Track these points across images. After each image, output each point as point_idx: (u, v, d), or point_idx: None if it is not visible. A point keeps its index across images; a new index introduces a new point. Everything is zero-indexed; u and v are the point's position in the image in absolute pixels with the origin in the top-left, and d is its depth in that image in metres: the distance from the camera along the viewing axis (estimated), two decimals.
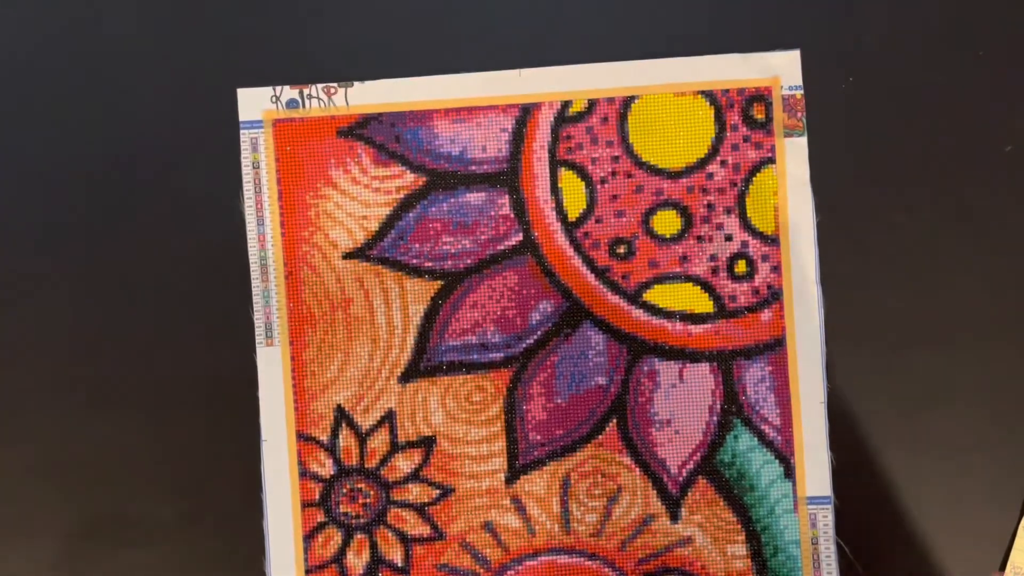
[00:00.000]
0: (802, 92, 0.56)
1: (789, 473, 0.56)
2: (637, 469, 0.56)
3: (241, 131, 0.57)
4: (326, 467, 0.56)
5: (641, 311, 0.56)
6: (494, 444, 0.56)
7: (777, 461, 0.56)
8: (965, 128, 0.56)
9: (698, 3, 0.57)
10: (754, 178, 0.56)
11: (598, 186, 0.56)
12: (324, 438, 0.56)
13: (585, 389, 0.56)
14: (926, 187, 0.56)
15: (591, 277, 0.56)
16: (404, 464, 0.56)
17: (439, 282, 0.56)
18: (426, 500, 0.56)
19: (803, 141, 0.56)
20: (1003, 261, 0.56)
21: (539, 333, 0.56)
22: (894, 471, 0.56)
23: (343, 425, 0.56)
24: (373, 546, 0.56)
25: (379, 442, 0.56)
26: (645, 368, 0.56)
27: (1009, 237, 0.56)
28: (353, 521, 0.56)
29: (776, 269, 0.56)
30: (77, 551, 0.57)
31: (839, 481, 0.56)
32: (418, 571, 0.56)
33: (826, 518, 0.56)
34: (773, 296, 0.56)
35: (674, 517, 0.56)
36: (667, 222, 0.56)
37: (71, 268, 0.57)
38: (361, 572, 0.56)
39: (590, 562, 0.56)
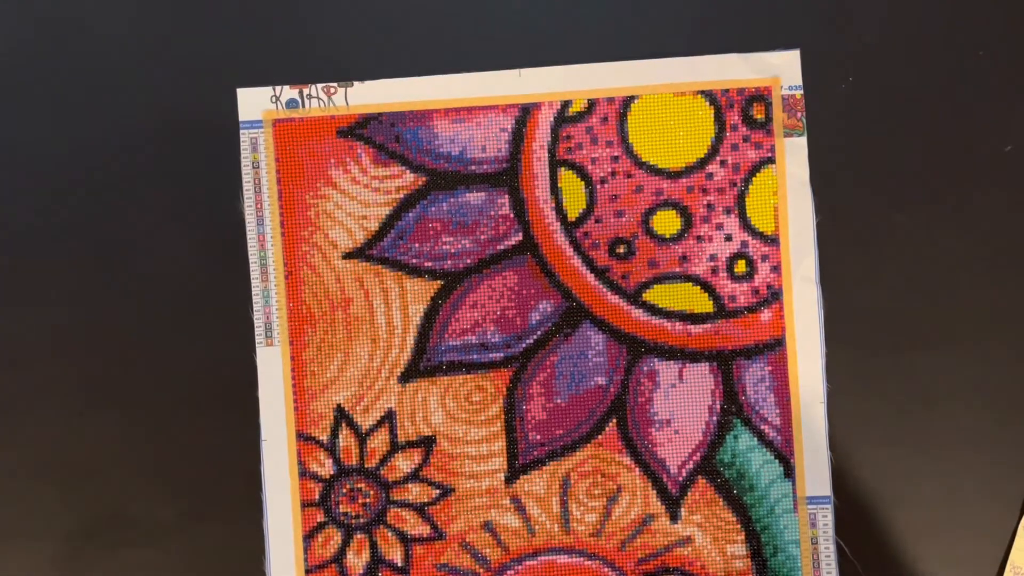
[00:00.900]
0: (802, 92, 0.56)
1: (789, 473, 0.56)
2: (637, 469, 0.56)
3: (241, 131, 0.57)
4: (326, 467, 0.56)
5: (641, 311, 0.56)
6: (494, 444, 0.56)
7: (777, 461, 0.56)
8: (965, 128, 0.56)
9: (698, 3, 0.57)
10: (754, 178, 0.56)
11: (598, 186, 0.56)
12: (324, 438, 0.56)
13: (585, 389, 0.56)
14: (926, 187, 0.56)
15: (591, 277, 0.56)
16: (404, 464, 0.56)
17: (439, 282, 0.56)
18: (426, 500, 0.56)
19: (803, 141, 0.56)
20: (1003, 261, 0.56)
21: (539, 333, 0.56)
22: (894, 471, 0.56)
23: (343, 425, 0.56)
24: (373, 546, 0.56)
25: (379, 442, 0.56)
26: (645, 368, 0.56)
27: (1009, 237, 0.56)
28: (353, 521, 0.56)
29: (776, 269, 0.56)
30: (77, 551, 0.57)
31: (839, 481, 0.56)
32: (418, 571, 0.56)
33: (826, 518, 0.56)
34: (773, 296, 0.56)
35: (674, 517, 0.56)
36: (667, 222, 0.56)
37: (71, 268, 0.57)
38: (361, 572, 0.56)
39: (590, 562, 0.56)
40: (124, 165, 0.57)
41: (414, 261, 0.57)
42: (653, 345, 0.56)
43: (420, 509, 0.56)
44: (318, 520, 0.56)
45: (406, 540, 0.56)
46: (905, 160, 0.56)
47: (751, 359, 0.56)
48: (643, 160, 0.56)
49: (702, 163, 0.56)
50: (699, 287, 0.56)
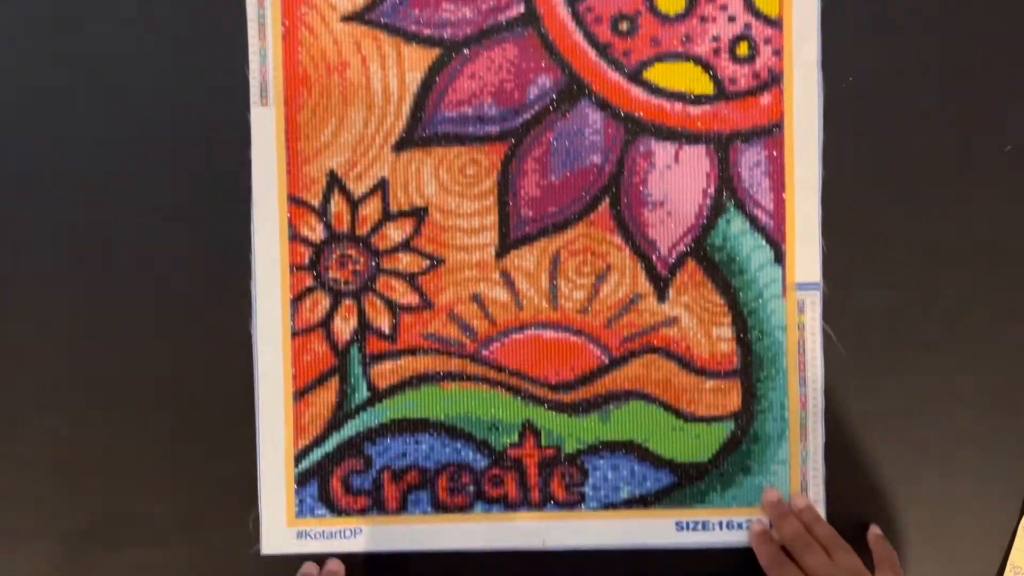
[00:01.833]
0: None
1: (779, 258, 0.56)
2: (627, 249, 0.56)
3: None
4: (316, 232, 0.56)
5: (640, 90, 0.56)
6: (486, 218, 0.56)
7: (768, 246, 0.56)
8: (965, 128, 0.55)
9: None
10: None
11: None
12: (316, 203, 0.56)
13: (579, 167, 0.56)
14: (926, 187, 0.56)
15: (592, 53, 0.56)
16: (395, 233, 0.56)
17: (437, 50, 0.56)
18: (416, 270, 0.56)
19: None
20: (1003, 261, 0.56)
21: (536, 108, 0.56)
22: (893, 471, 0.56)
23: (335, 191, 0.56)
24: (361, 312, 0.56)
25: (371, 210, 0.56)
26: (641, 148, 0.56)
27: (1009, 237, 0.56)
28: (342, 287, 0.56)
29: (778, 53, 0.56)
30: (77, 551, 0.57)
31: (836, 461, 0.56)
32: (405, 339, 0.56)
33: (814, 304, 0.56)
34: (773, 80, 0.56)
35: (661, 297, 0.56)
36: (671, 0, 0.56)
37: (71, 267, 0.56)
38: (347, 337, 0.56)
39: (575, 338, 0.56)
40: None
41: (413, 28, 0.56)
42: (651, 125, 0.56)
43: (410, 278, 0.56)
44: (307, 284, 0.56)
45: (394, 308, 0.56)
46: (905, 160, 0.56)
47: (748, 143, 0.56)
48: None
49: None
50: (700, 68, 0.56)
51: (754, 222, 0.56)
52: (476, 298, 0.56)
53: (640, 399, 0.56)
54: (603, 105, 0.56)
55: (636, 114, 0.56)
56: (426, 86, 0.56)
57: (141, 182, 0.56)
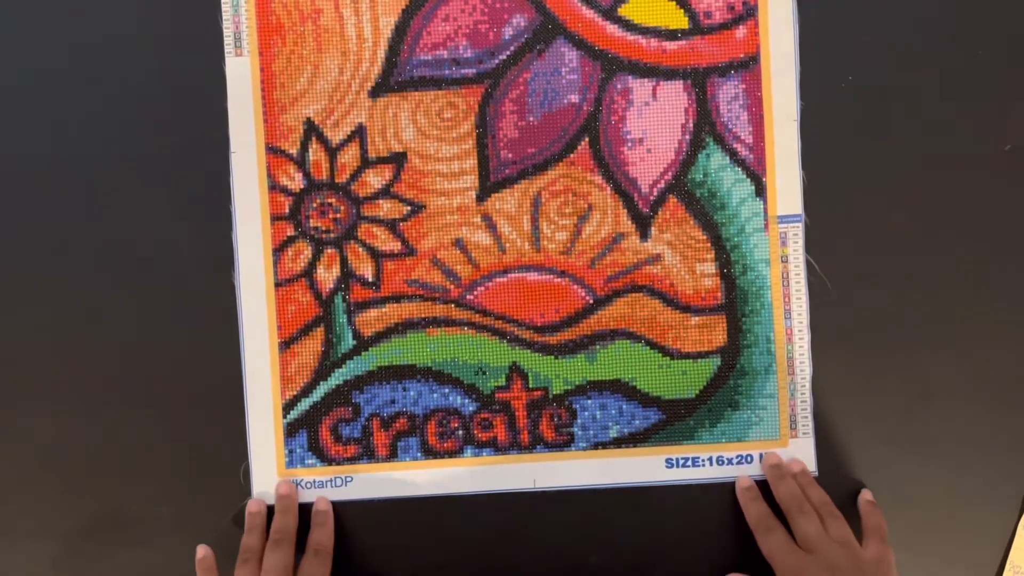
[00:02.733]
0: None
1: (760, 191, 0.56)
2: (608, 188, 0.56)
3: None
4: (295, 180, 0.56)
5: (616, 27, 0.56)
6: (465, 161, 0.56)
7: (748, 180, 0.56)
8: (965, 128, 0.55)
9: None
10: None
11: None
12: (294, 151, 0.56)
13: (558, 107, 0.56)
14: (926, 187, 0.55)
15: None
16: (374, 180, 0.56)
17: None
18: (397, 216, 0.56)
19: None
20: (1003, 261, 0.55)
21: (512, 48, 0.56)
22: (892, 471, 0.56)
23: (312, 139, 0.56)
24: (343, 261, 0.56)
25: (349, 157, 0.56)
26: (619, 86, 0.56)
27: (1009, 237, 0.55)
28: (323, 235, 0.56)
29: None
30: (77, 551, 0.57)
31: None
32: (388, 286, 0.56)
33: (796, 236, 0.56)
34: (748, 12, 0.55)
35: (644, 235, 0.56)
36: None
37: (70, 267, 0.56)
38: (331, 286, 0.56)
39: (559, 279, 0.56)
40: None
41: None
42: (627, 62, 0.56)
43: (391, 225, 0.56)
44: (288, 234, 0.56)
45: (377, 255, 0.56)
46: (905, 160, 0.55)
47: (725, 77, 0.56)
48: None
49: None
50: (675, 2, 0.55)
51: (734, 156, 0.56)
52: (459, 243, 0.56)
53: (626, 338, 0.56)
54: (579, 43, 0.56)
55: (612, 51, 0.56)
56: (400, 30, 0.56)
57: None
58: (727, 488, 0.56)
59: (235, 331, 0.56)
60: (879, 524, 0.53)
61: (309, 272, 0.56)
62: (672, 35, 0.56)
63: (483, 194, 0.56)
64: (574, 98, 0.56)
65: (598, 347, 0.56)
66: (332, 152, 0.56)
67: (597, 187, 0.56)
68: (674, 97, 0.56)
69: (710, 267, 0.56)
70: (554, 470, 0.56)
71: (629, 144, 0.56)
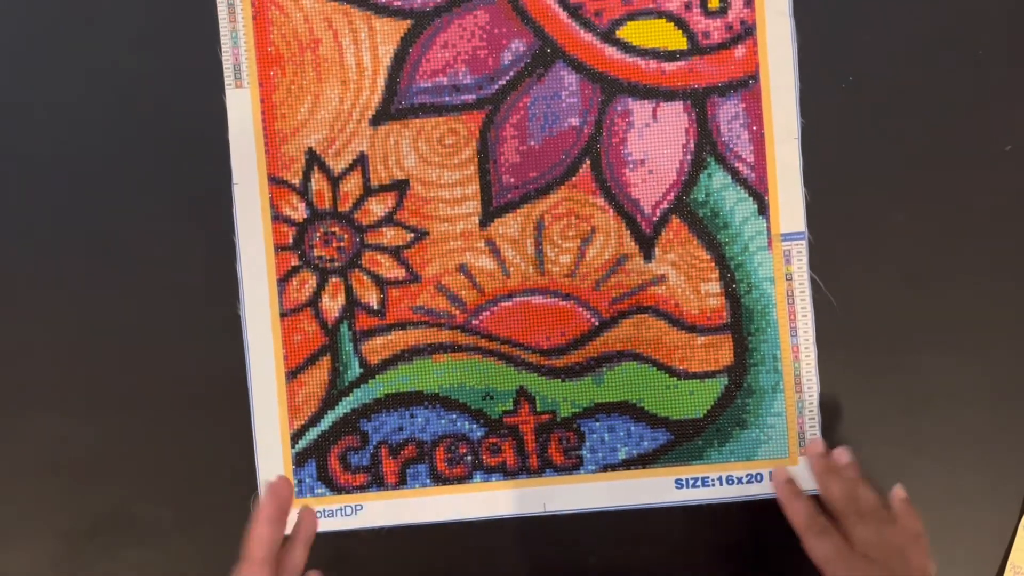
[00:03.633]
0: None
1: (763, 210, 0.56)
2: (611, 210, 0.56)
3: None
4: (299, 211, 0.56)
5: (615, 49, 0.56)
6: (468, 187, 0.56)
7: (751, 198, 0.56)
8: (965, 128, 0.55)
9: None
10: None
11: None
12: (296, 182, 0.56)
13: (558, 130, 0.56)
14: (926, 187, 0.55)
15: (563, 15, 0.56)
16: (377, 208, 0.56)
17: (408, 21, 0.56)
18: (400, 243, 0.56)
19: None
20: (1003, 261, 0.55)
21: (511, 74, 0.56)
22: (893, 471, 0.55)
23: (315, 168, 0.56)
24: (348, 289, 0.56)
25: (352, 186, 0.56)
26: (619, 108, 0.56)
27: (1009, 237, 0.55)
28: (328, 264, 0.56)
29: (749, 4, 0.55)
30: (77, 551, 0.57)
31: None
32: (394, 313, 0.56)
33: (800, 253, 0.56)
34: (747, 31, 0.55)
35: (648, 256, 0.56)
36: None
37: (70, 266, 0.56)
38: (336, 315, 0.56)
39: (564, 302, 0.56)
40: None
41: (383, 0, 0.56)
42: (627, 84, 0.56)
43: (395, 252, 0.56)
44: (292, 264, 0.56)
45: (381, 283, 0.56)
46: (904, 160, 0.55)
47: (725, 96, 0.56)
48: None
49: None
50: (673, 23, 0.56)
51: (735, 175, 0.56)
52: (463, 268, 0.56)
53: (632, 359, 0.56)
54: (578, 67, 0.56)
55: (611, 74, 0.56)
56: (399, 58, 0.56)
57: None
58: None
59: (242, 361, 0.56)
60: (919, 531, 0.50)
61: (314, 301, 0.56)
62: (671, 56, 0.56)
63: (486, 219, 0.56)
64: (574, 121, 0.56)
65: (605, 369, 0.56)
66: (334, 181, 0.56)
67: (600, 209, 0.56)
68: (674, 118, 0.56)
69: (715, 287, 0.56)
70: (564, 493, 0.56)
71: (631, 166, 0.56)
